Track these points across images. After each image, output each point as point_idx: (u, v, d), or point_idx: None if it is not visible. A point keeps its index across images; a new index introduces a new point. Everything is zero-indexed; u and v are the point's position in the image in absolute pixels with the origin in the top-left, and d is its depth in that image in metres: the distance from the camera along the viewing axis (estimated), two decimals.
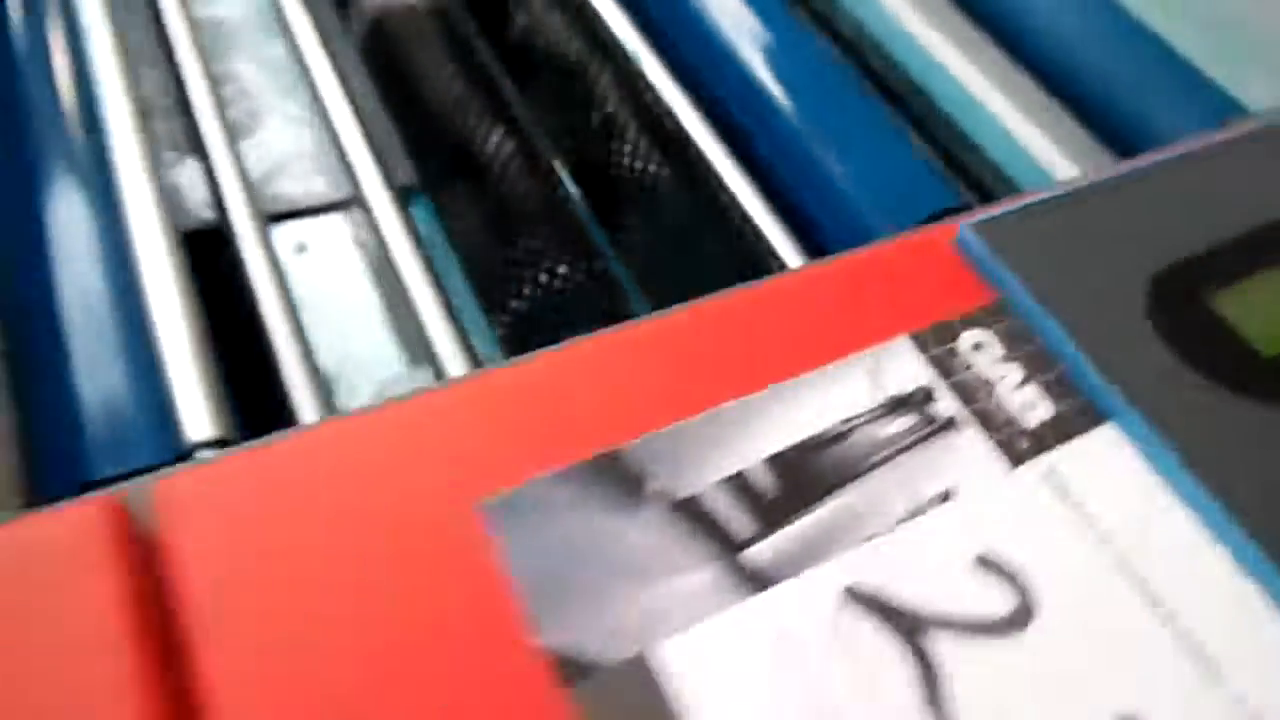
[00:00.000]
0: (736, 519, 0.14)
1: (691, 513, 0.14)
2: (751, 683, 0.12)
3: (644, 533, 0.13)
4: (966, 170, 0.36)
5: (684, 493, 0.14)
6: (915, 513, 0.14)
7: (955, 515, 0.14)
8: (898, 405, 0.15)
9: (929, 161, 0.34)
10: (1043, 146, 0.34)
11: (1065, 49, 0.35)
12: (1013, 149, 0.35)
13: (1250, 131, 0.20)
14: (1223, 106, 0.31)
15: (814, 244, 0.31)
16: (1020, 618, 0.13)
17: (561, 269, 0.31)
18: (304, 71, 0.38)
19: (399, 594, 0.12)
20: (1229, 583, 0.14)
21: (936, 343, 0.16)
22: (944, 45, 0.36)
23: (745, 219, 0.32)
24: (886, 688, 0.12)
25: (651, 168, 0.35)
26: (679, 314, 0.16)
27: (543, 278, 0.31)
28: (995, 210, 0.18)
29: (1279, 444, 0.15)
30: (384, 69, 0.39)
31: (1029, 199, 0.18)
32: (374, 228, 0.33)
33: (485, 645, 0.12)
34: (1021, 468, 0.15)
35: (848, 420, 0.15)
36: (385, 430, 0.14)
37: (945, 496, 0.14)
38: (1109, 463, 0.15)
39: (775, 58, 0.35)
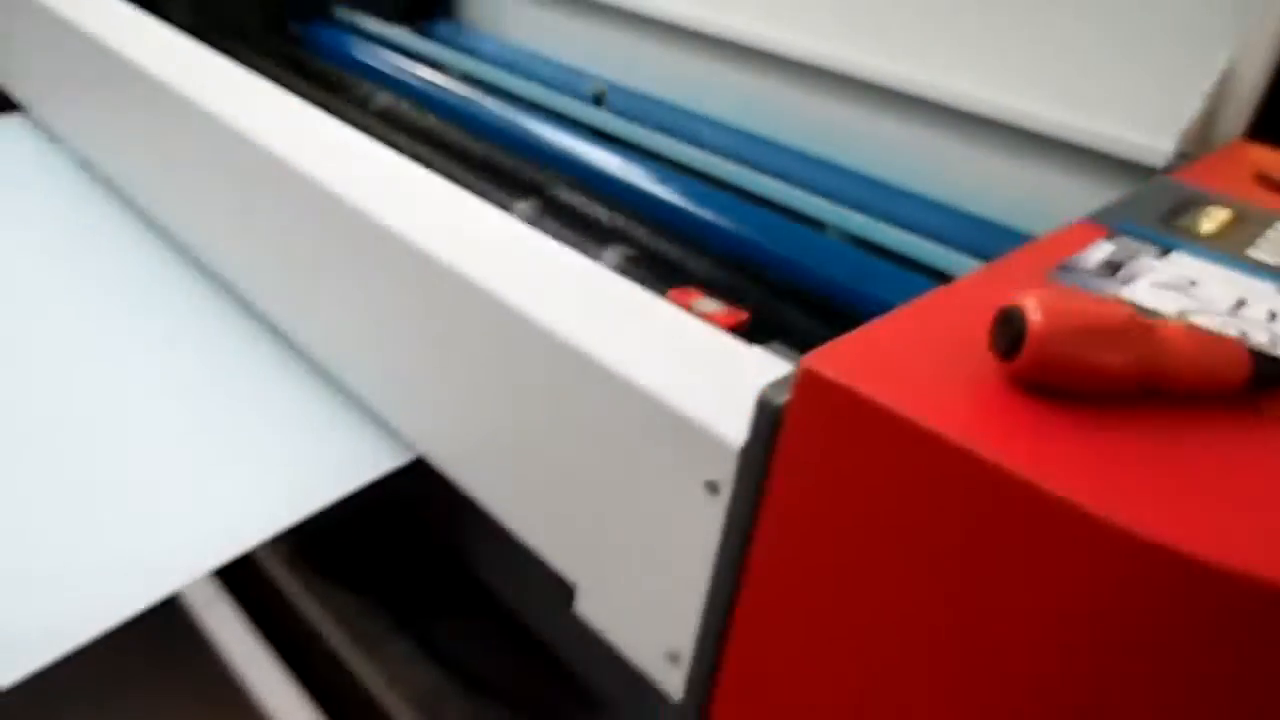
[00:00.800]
0: (1103, 270, 0.42)
1: (1094, 273, 0.42)
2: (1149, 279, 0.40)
3: (1089, 273, 0.41)
4: None
5: (1090, 265, 0.42)
6: (1150, 268, 0.43)
7: (1165, 270, 0.43)
8: (1119, 250, 0.45)
9: None
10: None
11: None
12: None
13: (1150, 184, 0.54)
14: None
15: None
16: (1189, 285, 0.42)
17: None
18: None
19: None
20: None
21: (1111, 239, 0.46)
22: None
23: None
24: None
25: None
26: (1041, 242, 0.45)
27: None
28: (1098, 209, 0.50)
29: (1224, 248, 0.46)
30: None
31: (1120, 198, 0.50)
32: None
33: None
34: (1164, 258, 0.44)
35: (1108, 258, 0.44)
36: None
37: (1154, 264, 0.43)
38: (1178, 257, 0.45)
39: None
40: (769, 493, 0.35)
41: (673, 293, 0.43)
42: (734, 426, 0.35)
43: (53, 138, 0.96)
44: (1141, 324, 0.31)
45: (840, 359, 0.32)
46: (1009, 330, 0.31)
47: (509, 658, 0.80)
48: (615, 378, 0.38)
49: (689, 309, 0.42)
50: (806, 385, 0.32)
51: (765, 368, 0.37)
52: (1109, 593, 0.27)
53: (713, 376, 0.38)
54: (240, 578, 0.90)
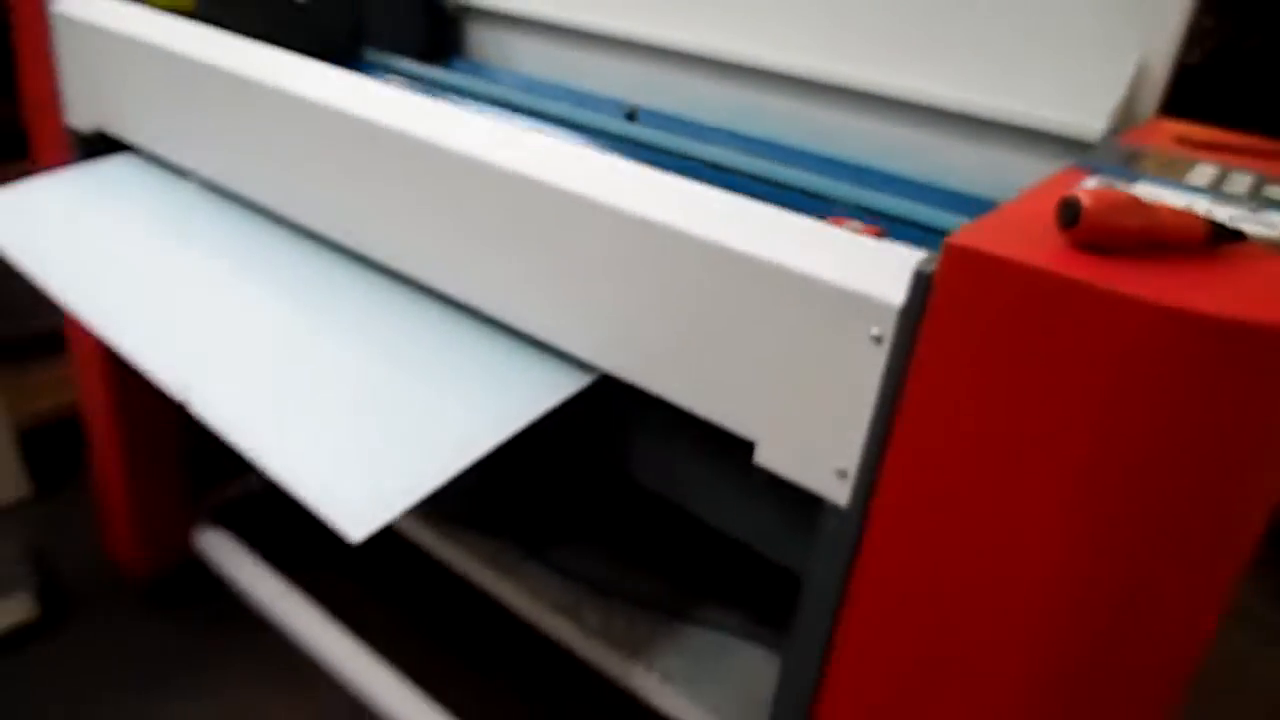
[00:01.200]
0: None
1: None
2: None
3: None
4: None
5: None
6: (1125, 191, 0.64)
7: (1136, 192, 0.64)
8: (1101, 182, 0.66)
9: None
10: None
11: None
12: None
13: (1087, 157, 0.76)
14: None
15: None
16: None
17: None
18: None
19: None
20: None
21: (1093, 176, 0.67)
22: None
23: None
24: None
25: None
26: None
27: None
28: (1078, 159, 0.70)
29: (1168, 178, 0.68)
30: None
31: (1092, 152, 0.71)
32: None
33: None
34: (1131, 186, 0.65)
35: (1096, 187, 0.65)
36: None
37: (1127, 189, 0.64)
38: (1141, 185, 0.66)
39: None
40: (920, 339, 0.54)
41: (829, 219, 0.62)
42: (894, 293, 0.54)
43: (170, 168, 1.09)
44: (1143, 202, 0.51)
45: (969, 236, 0.51)
46: (1069, 210, 0.50)
47: (626, 567, 0.96)
48: (807, 278, 0.57)
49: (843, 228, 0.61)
50: (951, 254, 0.51)
51: (909, 254, 0.56)
52: (1147, 352, 0.46)
53: (874, 264, 0.57)
54: (390, 546, 1.03)
